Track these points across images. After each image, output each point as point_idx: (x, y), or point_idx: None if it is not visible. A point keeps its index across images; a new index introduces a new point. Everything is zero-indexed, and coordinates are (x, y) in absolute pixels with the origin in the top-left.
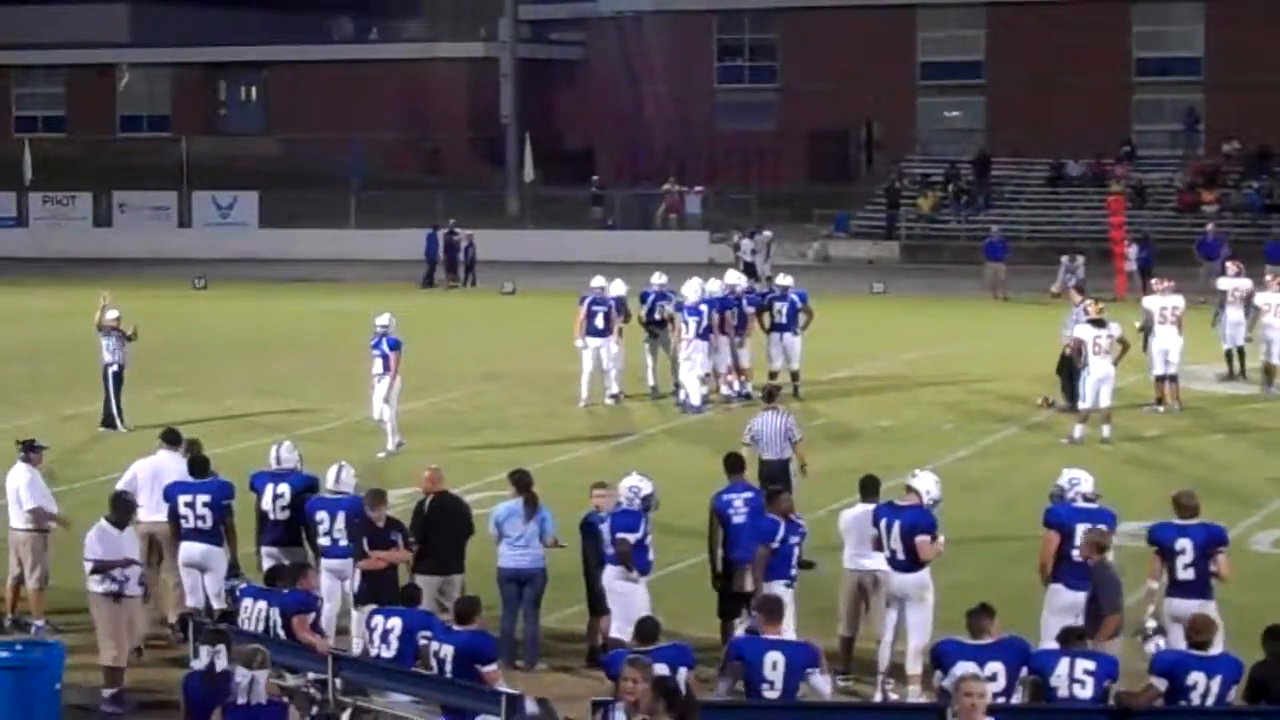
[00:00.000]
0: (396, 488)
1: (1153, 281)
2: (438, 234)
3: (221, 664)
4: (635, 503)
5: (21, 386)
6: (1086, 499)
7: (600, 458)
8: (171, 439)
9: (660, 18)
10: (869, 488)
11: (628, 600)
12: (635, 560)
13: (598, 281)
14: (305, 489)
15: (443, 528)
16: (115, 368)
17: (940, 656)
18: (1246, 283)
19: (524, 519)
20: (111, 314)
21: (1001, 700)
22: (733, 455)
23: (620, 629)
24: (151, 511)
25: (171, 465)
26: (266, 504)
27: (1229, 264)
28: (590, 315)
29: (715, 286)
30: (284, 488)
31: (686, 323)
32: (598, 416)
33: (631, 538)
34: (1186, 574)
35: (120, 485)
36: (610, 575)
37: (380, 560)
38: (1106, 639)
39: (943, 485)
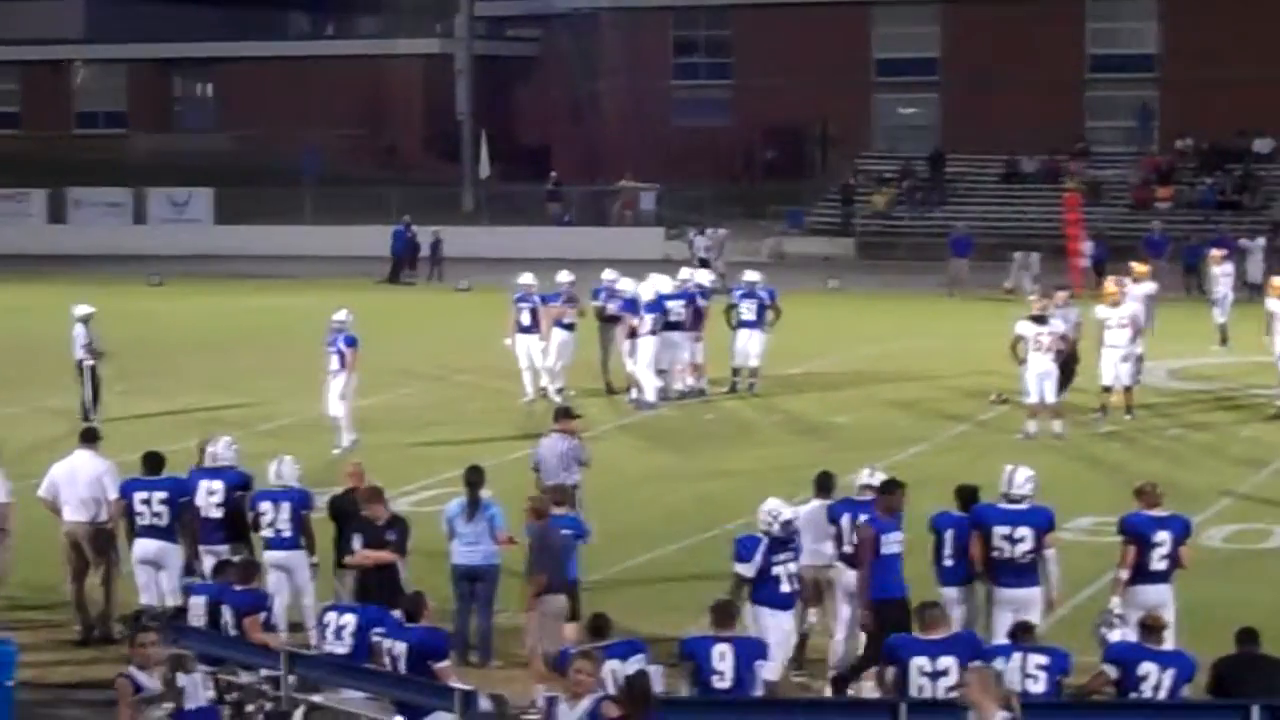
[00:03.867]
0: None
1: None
2: (407, 231)
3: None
4: (775, 528)
5: None
6: (1008, 499)
7: None
8: (89, 437)
9: (616, 14)
10: (824, 484)
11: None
12: (753, 594)
13: (525, 279)
14: (239, 485)
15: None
16: (90, 363)
17: (892, 651)
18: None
19: (467, 517)
20: (82, 309)
21: (955, 695)
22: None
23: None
24: (73, 512)
25: (88, 464)
26: (201, 500)
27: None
28: (518, 312)
29: (667, 283)
30: (217, 484)
31: (643, 319)
32: (551, 413)
33: (745, 570)
34: (1160, 564)
35: (41, 491)
36: (746, 608)
37: (367, 559)
38: (533, 596)
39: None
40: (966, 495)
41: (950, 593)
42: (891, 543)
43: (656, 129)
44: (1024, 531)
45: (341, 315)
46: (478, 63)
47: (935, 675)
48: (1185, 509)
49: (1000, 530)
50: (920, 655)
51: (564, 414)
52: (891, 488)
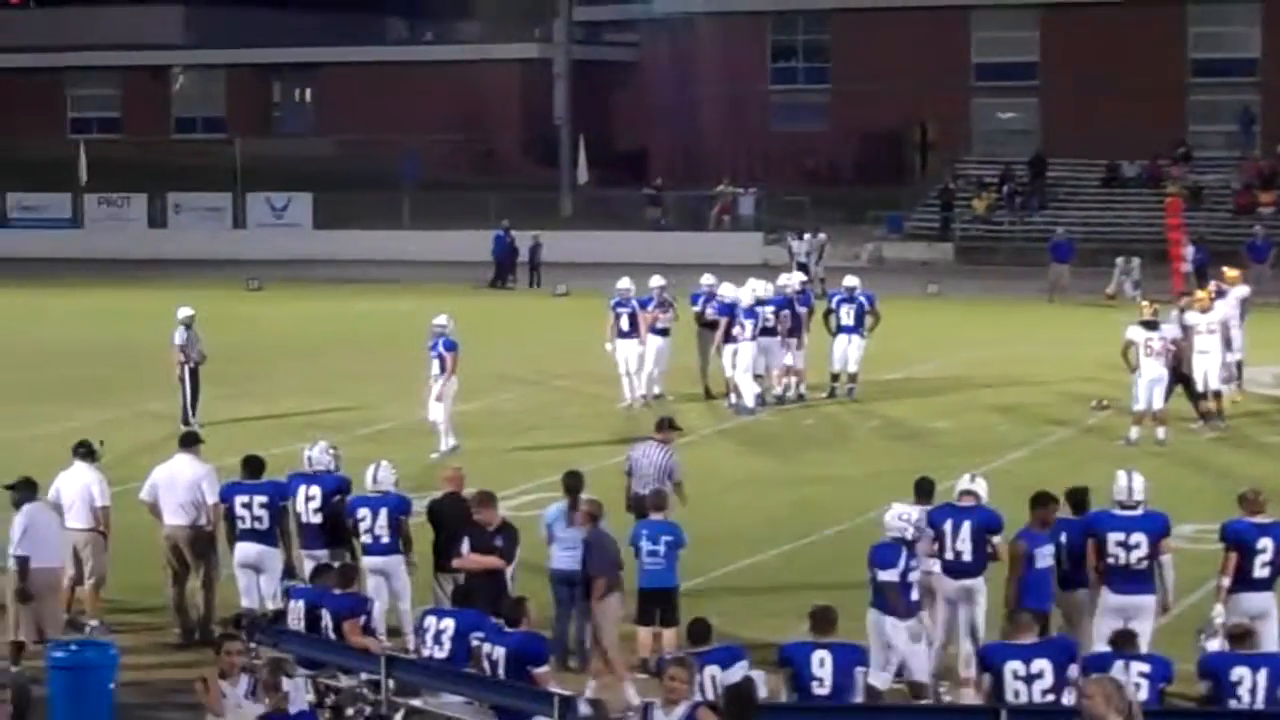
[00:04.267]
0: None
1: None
2: (506, 236)
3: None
4: (909, 531)
5: (78, 387)
6: (1123, 505)
7: None
8: (189, 441)
9: (713, 19)
10: (924, 489)
11: (889, 642)
12: (876, 600)
13: (623, 284)
14: (337, 490)
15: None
16: (191, 366)
17: (987, 658)
18: None
19: (568, 522)
20: (184, 312)
21: (1051, 699)
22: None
23: (875, 674)
24: (172, 515)
25: (188, 468)
26: (299, 506)
27: None
28: (616, 318)
29: (766, 288)
30: (315, 489)
31: (743, 325)
32: (650, 417)
33: (889, 575)
34: (1263, 571)
35: (142, 494)
36: (871, 616)
37: (474, 563)
38: (598, 599)
39: (994, 487)
40: (1078, 498)
41: (1074, 596)
42: (1044, 556)
43: (754, 134)
44: (1139, 538)
45: (442, 320)
46: (575, 67)
47: (1030, 679)
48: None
49: (1115, 536)
50: (1013, 660)
51: (667, 425)
52: (1045, 500)
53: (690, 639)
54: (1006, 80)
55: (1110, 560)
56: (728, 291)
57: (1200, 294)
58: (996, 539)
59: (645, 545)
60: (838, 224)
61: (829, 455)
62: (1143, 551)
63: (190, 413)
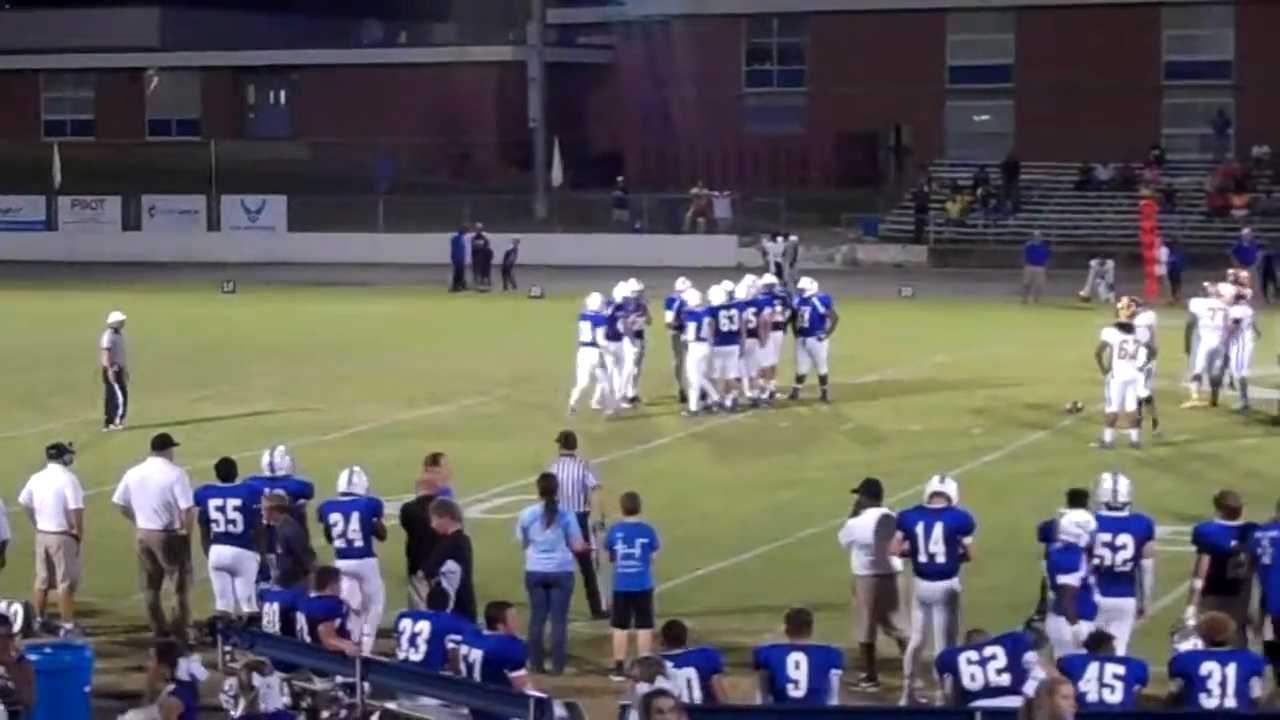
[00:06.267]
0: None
1: (1205, 284)
2: (464, 237)
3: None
4: (1083, 538)
5: (50, 390)
6: (1110, 507)
7: (628, 462)
8: (161, 445)
9: (688, 21)
10: (874, 491)
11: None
12: (1079, 606)
13: (593, 299)
14: (300, 494)
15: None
16: (114, 370)
17: (941, 661)
18: None
19: (544, 524)
20: (114, 317)
21: (1008, 678)
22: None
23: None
24: (146, 520)
25: (159, 472)
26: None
27: None
28: (594, 326)
29: (736, 290)
30: (280, 493)
31: (686, 326)
32: (625, 421)
33: (1074, 580)
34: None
35: (115, 498)
36: (1053, 625)
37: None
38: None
39: (968, 489)
40: (1077, 498)
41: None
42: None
43: (729, 136)
44: (1125, 539)
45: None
46: (550, 70)
47: (984, 661)
48: (1262, 518)
49: (1102, 537)
50: (966, 651)
51: (572, 440)
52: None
53: (666, 641)
54: (981, 83)
55: (1095, 561)
56: (695, 295)
57: (1123, 301)
58: (968, 540)
59: (621, 548)
60: (812, 226)
61: (803, 458)
62: (1128, 553)
63: (113, 418)
